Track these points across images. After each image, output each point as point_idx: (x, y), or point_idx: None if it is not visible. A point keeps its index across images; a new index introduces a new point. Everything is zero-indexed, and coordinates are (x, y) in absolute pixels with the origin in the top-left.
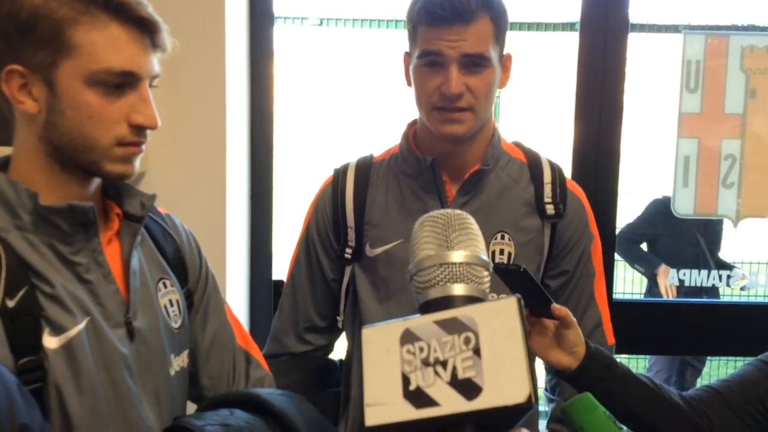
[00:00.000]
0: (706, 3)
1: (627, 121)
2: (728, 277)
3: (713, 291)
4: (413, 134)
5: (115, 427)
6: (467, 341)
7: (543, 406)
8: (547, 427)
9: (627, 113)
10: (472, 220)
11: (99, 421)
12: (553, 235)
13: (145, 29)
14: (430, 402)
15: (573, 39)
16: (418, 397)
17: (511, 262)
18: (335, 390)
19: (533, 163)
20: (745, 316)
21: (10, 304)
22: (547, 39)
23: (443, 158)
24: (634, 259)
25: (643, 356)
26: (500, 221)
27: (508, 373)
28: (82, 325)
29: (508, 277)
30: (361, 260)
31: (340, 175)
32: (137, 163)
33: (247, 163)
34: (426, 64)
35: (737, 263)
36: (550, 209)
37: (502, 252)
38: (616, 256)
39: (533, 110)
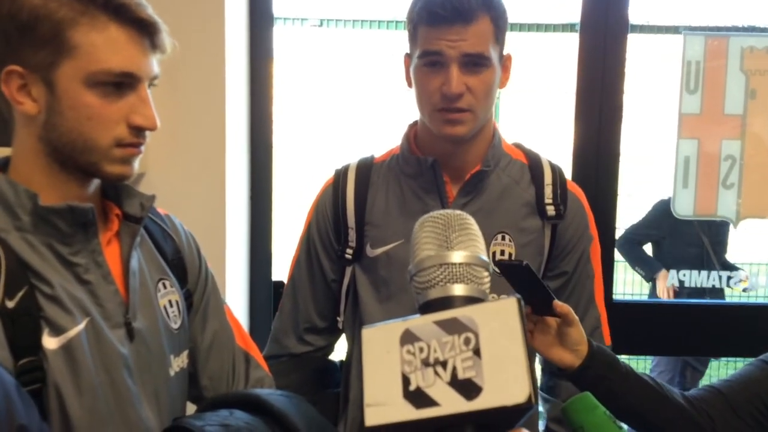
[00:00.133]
0: (706, 4)
1: (627, 121)
2: (728, 278)
3: (718, 292)
4: (414, 135)
5: (115, 427)
6: (467, 341)
7: (540, 407)
8: (546, 427)
9: (627, 114)
10: (472, 221)
11: (98, 422)
12: (554, 236)
13: (145, 30)
14: (430, 402)
15: (573, 39)
16: (418, 398)
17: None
18: (335, 391)
19: (534, 164)
20: (746, 317)
21: (10, 304)
22: (547, 39)
23: (444, 159)
24: (636, 261)
25: (643, 357)
26: (501, 222)
27: (508, 374)
28: (81, 326)
29: (511, 273)
30: (362, 261)
31: (340, 175)
32: (136, 164)
33: (247, 163)
34: (426, 64)
35: (737, 264)
36: (550, 210)
37: (502, 253)
38: (617, 257)
39: (533, 110)
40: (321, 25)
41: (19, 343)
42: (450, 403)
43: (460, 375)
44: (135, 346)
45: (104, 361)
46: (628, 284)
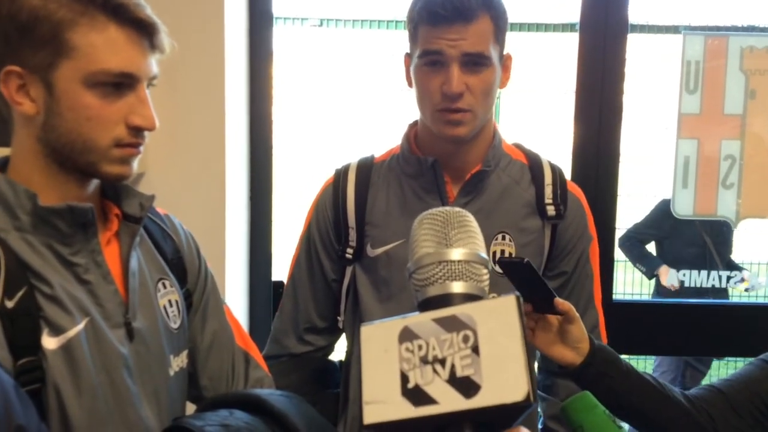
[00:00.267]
0: (705, 4)
1: (627, 121)
2: (728, 278)
3: (722, 293)
4: (414, 135)
5: (114, 427)
6: (466, 339)
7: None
8: (544, 425)
9: (627, 114)
10: (471, 218)
11: (98, 422)
12: (554, 236)
13: (144, 31)
14: (428, 400)
15: (573, 39)
16: (416, 395)
17: None
18: (335, 391)
19: (534, 164)
20: (747, 317)
21: (9, 304)
22: (547, 39)
23: (444, 159)
24: (637, 258)
25: (643, 357)
26: (501, 222)
27: (507, 372)
28: (81, 326)
29: (512, 271)
30: (362, 260)
31: (341, 175)
32: (135, 164)
33: (247, 163)
34: (427, 64)
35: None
36: (550, 210)
37: (503, 253)
38: (617, 257)
39: (533, 110)
40: (321, 25)
41: (19, 343)
42: (448, 401)
43: (459, 373)
44: (135, 346)
45: (104, 361)
46: (629, 284)
